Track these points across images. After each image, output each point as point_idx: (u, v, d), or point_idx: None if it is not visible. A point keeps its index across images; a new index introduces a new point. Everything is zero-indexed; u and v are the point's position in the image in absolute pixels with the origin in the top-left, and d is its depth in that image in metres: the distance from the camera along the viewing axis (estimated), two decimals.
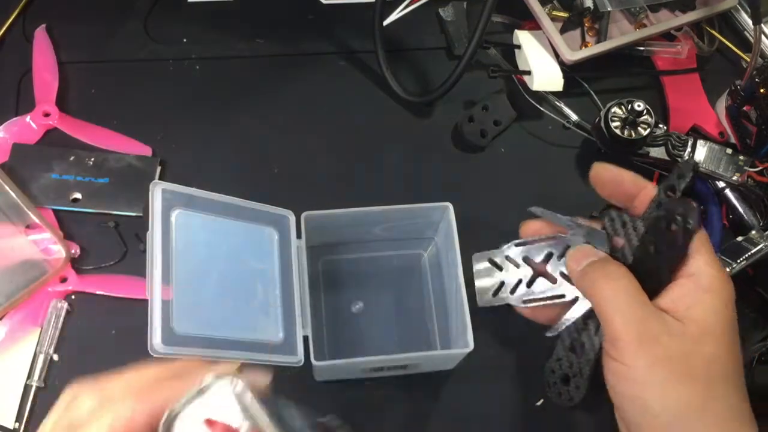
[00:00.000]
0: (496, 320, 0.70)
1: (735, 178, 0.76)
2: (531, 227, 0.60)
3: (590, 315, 0.57)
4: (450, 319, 0.70)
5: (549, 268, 0.60)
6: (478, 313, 0.63)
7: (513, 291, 0.62)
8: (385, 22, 0.82)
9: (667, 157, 0.76)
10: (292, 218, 0.67)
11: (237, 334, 0.61)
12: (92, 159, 0.77)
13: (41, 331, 0.70)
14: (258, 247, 0.65)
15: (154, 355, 0.55)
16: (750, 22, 0.85)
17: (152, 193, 0.59)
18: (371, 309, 0.73)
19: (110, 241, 0.75)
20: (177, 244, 0.60)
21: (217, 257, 0.62)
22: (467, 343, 0.63)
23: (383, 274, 0.75)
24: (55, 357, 0.70)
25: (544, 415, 0.71)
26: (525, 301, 0.61)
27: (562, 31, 0.83)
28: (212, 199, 0.64)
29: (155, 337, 0.55)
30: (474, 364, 0.67)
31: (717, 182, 0.78)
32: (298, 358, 0.62)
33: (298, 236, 0.66)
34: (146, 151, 0.78)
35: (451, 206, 0.68)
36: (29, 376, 0.69)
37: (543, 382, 0.61)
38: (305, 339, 0.63)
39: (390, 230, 0.72)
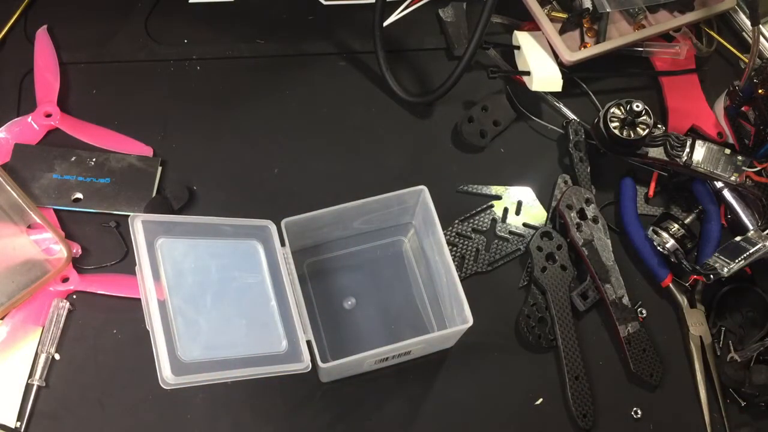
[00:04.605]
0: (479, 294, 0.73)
1: (733, 178, 0.76)
2: None
3: (551, 257, 0.71)
4: (442, 299, 0.72)
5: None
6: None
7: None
8: (386, 23, 0.83)
9: (665, 158, 0.77)
10: (273, 227, 0.67)
11: (242, 351, 0.61)
12: (93, 159, 0.77)
13: (43, 331, 0.71)
14: (245, 261, 0.66)
15: (166, 388, 0.54)
16: (748, 23, 0.85)
17: (133, 226, 0.59)
18: (363, 303, 0.73)
19: (111, 240, 0.75)
20: (167, 273, 0.60)
21: (208, 279, 0.63)
22: (466, 318, 0.64)
23: (369, 266, 0.75)
24: (57, 356, 0.71)
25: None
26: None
27: (561, 31, 0.84)
28: (192, 222, 0.64)
29: (164, 370, 0.55)
30: (469, 339, 0.68)
31: (715, 182, 0.78)
32: (305, 365, 0.62)
33: (282, 244, 0.67)
34: (147, 151, 0.79)
35: (426, 189, 0.68)
36: (31, 375, 0.69)
37: (521, 330, 0.73)
38: (308, 344, 0.63)
39: (369, 222, 0.73)
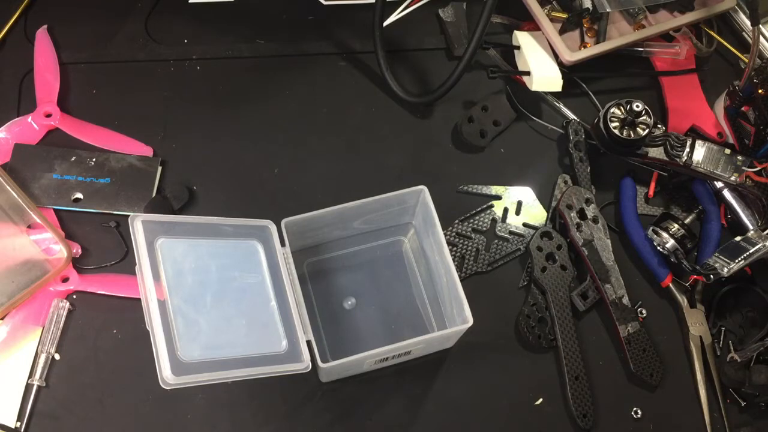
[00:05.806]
0: (479, 294, 0.73)
1: (733, 178, 0.76)
2: None
3: (551, 257, 0.73)
4: (442, 299, 0.72)
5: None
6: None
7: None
8: (385, 23, 0.82)
9: (665, 158, 0.77)
10: (273, 227, 0.67)
11: (242, 351, 0.61)
12: (93, 159, 0.77)
13: (43, 331, 0.71)
14: (245, 261, 0.66)
15: (166, 388, 0.54)
16: (748, 23, 0.85)
17: (133, 227, 0.59)
18: (363, 303, 0.73)
19: (111, 240, 0.75)
20: (167, 273, 0.60)
21: (208, 279, 0.63)
22: (466, 318, 0.64)
23: (369, 267, 0.75)
24: (57, 356, 0.71)
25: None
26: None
27: (561, 31, 0.84)
28: (192, 222, 0.64)
29: (164, 369, 0.55)
30: (469, 339, 0.68)
31: (715, 182, 0.78)
32: (305, 365, 0.62)
33: (282, 244, 0.67)
34: (147, 151, 0.79)
35: (426, 189, 0.68)
36: (31, 375, 0.69)
37: (521, 330, 0.73)
38: (308, 344, 0.63)
39: (369, 222, 0.73)
